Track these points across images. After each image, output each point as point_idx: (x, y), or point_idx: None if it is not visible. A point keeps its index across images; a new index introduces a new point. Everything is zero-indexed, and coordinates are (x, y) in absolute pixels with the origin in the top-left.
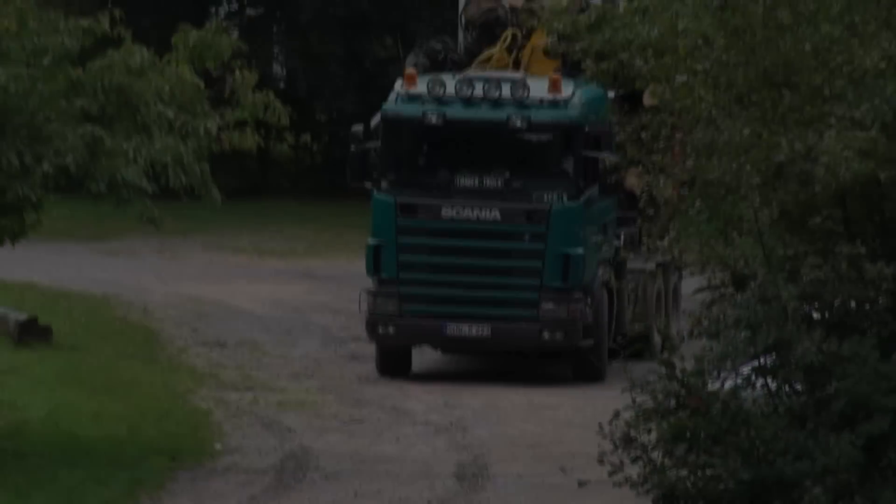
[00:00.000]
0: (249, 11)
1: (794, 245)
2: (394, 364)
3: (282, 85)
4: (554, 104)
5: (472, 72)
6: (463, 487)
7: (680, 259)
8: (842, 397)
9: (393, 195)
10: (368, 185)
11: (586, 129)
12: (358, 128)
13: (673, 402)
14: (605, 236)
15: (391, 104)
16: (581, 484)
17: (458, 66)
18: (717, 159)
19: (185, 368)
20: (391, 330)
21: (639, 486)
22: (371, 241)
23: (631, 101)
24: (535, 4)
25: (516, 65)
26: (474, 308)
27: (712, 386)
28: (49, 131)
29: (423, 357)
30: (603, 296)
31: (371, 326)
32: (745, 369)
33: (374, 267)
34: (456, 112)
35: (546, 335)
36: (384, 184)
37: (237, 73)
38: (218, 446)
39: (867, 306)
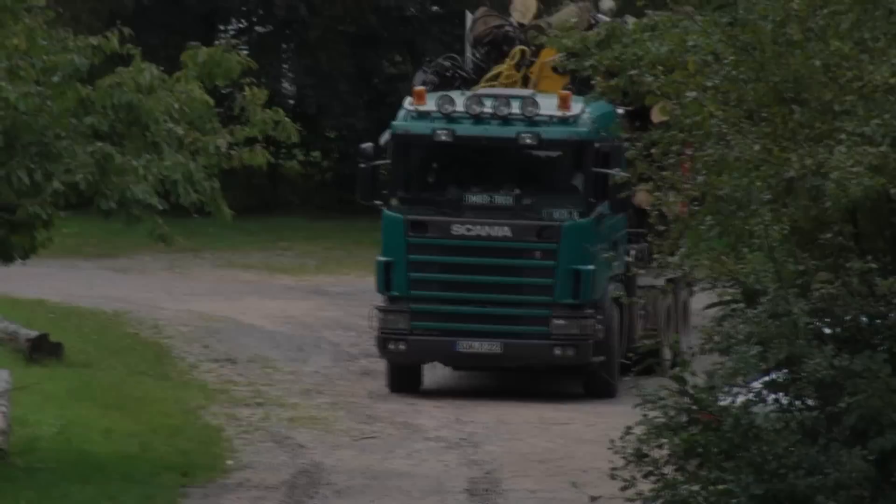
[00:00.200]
0: (258, 29)
1: (805, 261)
2: (404, 381)
3: (291, 102)
4: (564, 121)
5: (481, 89)
6: (474, 503)
7: (691, 275)
8: (853, 412)
9: (403, 212)
10: (378, 202)
11: (596, 145)
12: (367, 145)
13: (684, 418)
14: (616, 252)
15: (401, 121)
16: (593, 499)
17: (466, 83)
18: (728, 175)
19: (196, 385)
20: (402, 347)
21: (650, 501)
22: (381, 258)
23: (639, 117)
24: (543, 22)
25: (525, 82)
26: (485, 325)
27: (724, 401)
28: (59, 149)
29: (434, 373)
30: (614, 312)
31: (382, 343)
32: (757, 384)
33: (385, 284)
34: (465, 129)
35: (557, 351)
36: (394, 201)
37: (247, 90)
38: (229, 462)
39: (878, 321)
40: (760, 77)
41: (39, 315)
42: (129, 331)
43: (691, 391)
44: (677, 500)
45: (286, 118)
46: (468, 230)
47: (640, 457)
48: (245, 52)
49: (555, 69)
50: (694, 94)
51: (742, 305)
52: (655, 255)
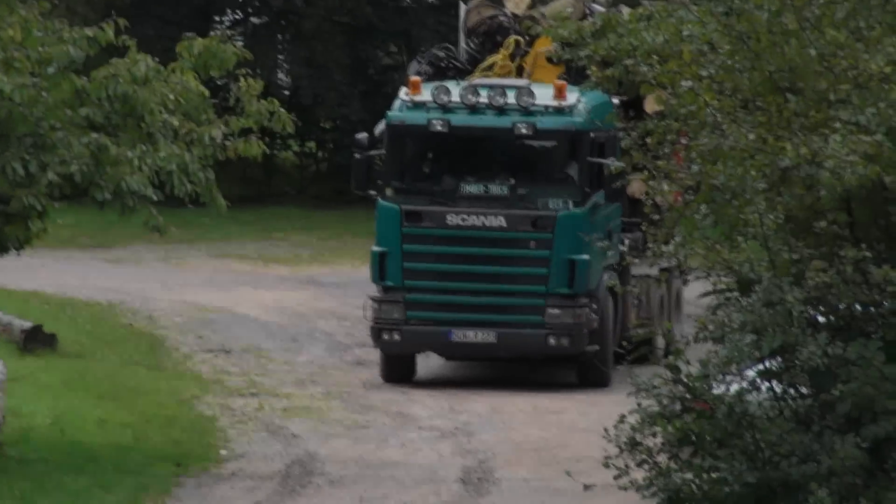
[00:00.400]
0: (254, 20)
1: (800, 249)
2: (398, 371)
3: (286, 93)
4: (559, 111)
5: (475, 79)
6: (468, 492)
7: (685, 264)
8: (847, 400)
9: (398, 203)
10: (373, 192)
11: (591, 135)
12: (362, 135)
13: (678, 406)
14: (610, 242)
15: (396, 111)
16: (587, 488)
17: (461, 73)
18: (723, 164)
19: (190, 375)
20: (396, 337)
21: (644, 489)
22: (376, 248)
23: (634, 107)
24: (537, 11)
25: (519, 72)
26: (480, 315)
27: (717, 389)
28: (54, 140)
29: (428, 363)
30: (608, 301)
31: (376, 333)
32: (751, 373)
33: (380, 274)
34: (461, 119)
35: (552, 341)
36: (389, 191)
37: (242, 81)
38: (223, 452)
39: (872, 310)
40: (756, 66)
41: (34, 306)
42: (124, 321)
43: (685, 380)
44: (671, 488)
45: (281, 109)
46: (463, 220)
47: (633, 445)
48: (240, 42)
49: (549, 59)
50: (689, 83)
51: (736, 294)
52: (650, 245)
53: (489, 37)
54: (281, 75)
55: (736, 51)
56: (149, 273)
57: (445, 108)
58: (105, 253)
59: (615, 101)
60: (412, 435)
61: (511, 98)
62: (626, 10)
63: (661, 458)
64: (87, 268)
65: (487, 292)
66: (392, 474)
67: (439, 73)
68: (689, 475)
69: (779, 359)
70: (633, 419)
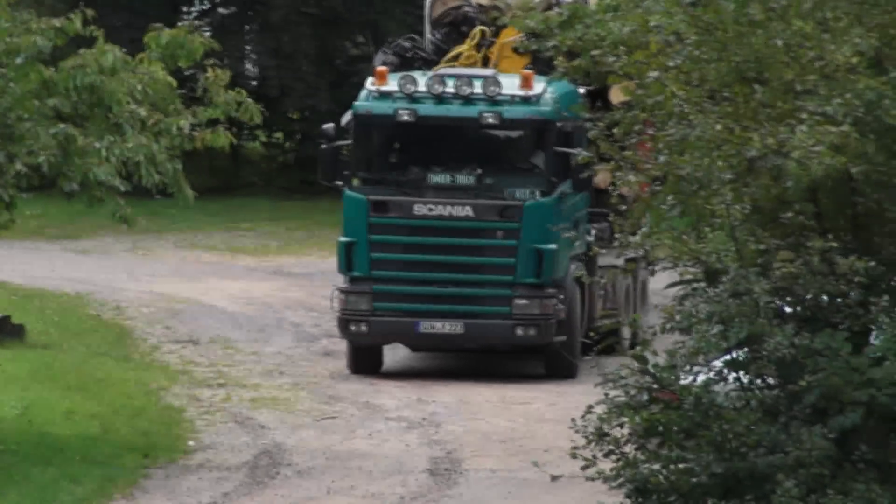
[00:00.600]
0: (221, 10)
1: (766, 240)
2: (365, 362)
3: (254, 83)
4: (526, 100)
5: (442, 69)
6: (436, 482)
7: (652, 254)
8: (814, 391)
9: (364, 193)
10: (340, 183)
11: (558, 124)
12: (328, 126)
13: (645, 397)
14: (577, 232)
15: (362, 101)
16: (554, 478)
17: (427, 64)
18: (689, 155)
19: (157, 366)
20: (364, 328)
21: (612, 480)
22: (343, 238)
23: (600, 97)
24: (502, 2)
25: (485, 62)
26: (447, 305)
27: (684, 380)
28: (22, 130)
29: (396, 353)
30: (575, 291)
31: (343, 324)
32: (718, 363)
33: (346, 265)
34: (428, 109)
35: (519, 331)
36: (356, 181)
37: (209, 71)
38: (191, 443)
39: (839, 300)
40: (722, 57)
41: (1, 297)
42: (91, 312)
43: (652, 370)
44: (638, 478)
45: (249, 99)
46: (430, 210)
47: (601, 436)
48: (208, 33)
49: (515, 49)
50: (656, 74)
51: (703, 285)
52: (617, 235)
53: (455, 27)
54: (248, 66)
55: (702, 41)
56: (116, 264)
57: (412, 98)
58: (73, 244)
59: (581, 90)
60: (380, 426)
61: (478, 88)
62: (592, 1)
63: (629, 449)
64: (54, 258)
65: (455, 282)
66: (360, 465)
67: (405, 63)
68: (656, 466)
69: (746, 349)
70: (600, 410)
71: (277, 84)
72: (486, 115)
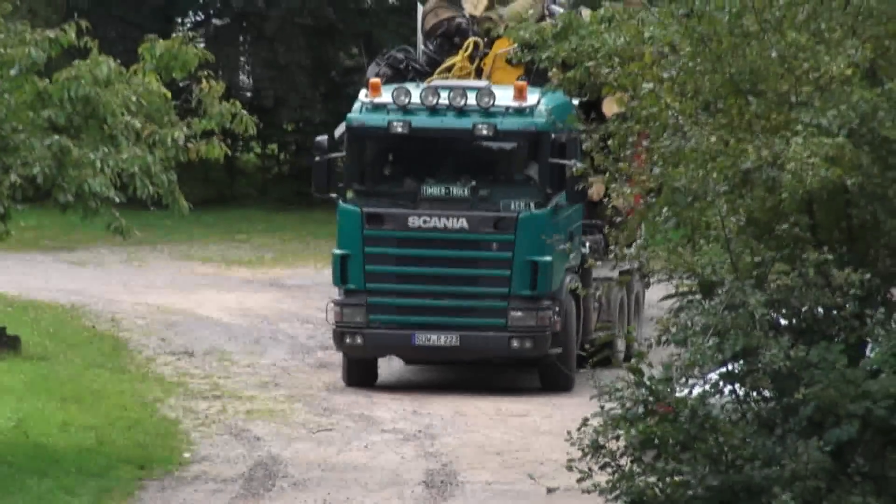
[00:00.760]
0: (216, 21)
1: (762, 252)
2: (361, 375)
3: (248, 94)
4: (520, 112)
5: (435, 81)
6: (432, 495)
7: (647, 266)
8: (810, 403)
9: (359, 205)
10: (334, 195)
11: (553, 136)
12: (322, 138)
13: (641, 409)
14: (572, 244)
15: (356, 113)
16: (550, 491)
17: (420, 75)
18: (684, 167)
19: (153, 378)
20: (359, 340)
21: (607, 492)
22: (337, 251)
23: (594, 108)
24: (495, 13)
25: (478, 73)
26: (442, 317)
27: (680, 393)
28: (16, 142)
29: (391, 366)
30: (571, 304)
31: (339, 337)
32: (713, 376)
33: (341, 277)
34: (421, 121)
35: (515, 343)
36: (350, 194)
37: (204, 82)
38: (186, 455)
39: (835, 312)
40: (717, 68)
41: None
42: (87, 324)
43: (648, 383)
44: (634, 491)
45: (243, 111)
46: (425, 222)
47: (596, 448)
48: (202, 44)
49: (508, 61)
50: (651, 85)
51: (698, 297)
52: (612, 247)
53: (447, 39)
54: (243, 77)
55: (697, 53)
56: (111, 275)
57: (406, 110)
58: (68, 255)
59: (575, 102)
60: (375, 438)
61: (471, 99)
62: (586, 13)
63: (624, 462)
64: (49, 270)
65: (450, 295)
66: (355, 477)
67: (398, 75)
68: (652, 478)
69: (741, 362)
70: (596, 422)
71: (272, 95)
72: (480, 126)
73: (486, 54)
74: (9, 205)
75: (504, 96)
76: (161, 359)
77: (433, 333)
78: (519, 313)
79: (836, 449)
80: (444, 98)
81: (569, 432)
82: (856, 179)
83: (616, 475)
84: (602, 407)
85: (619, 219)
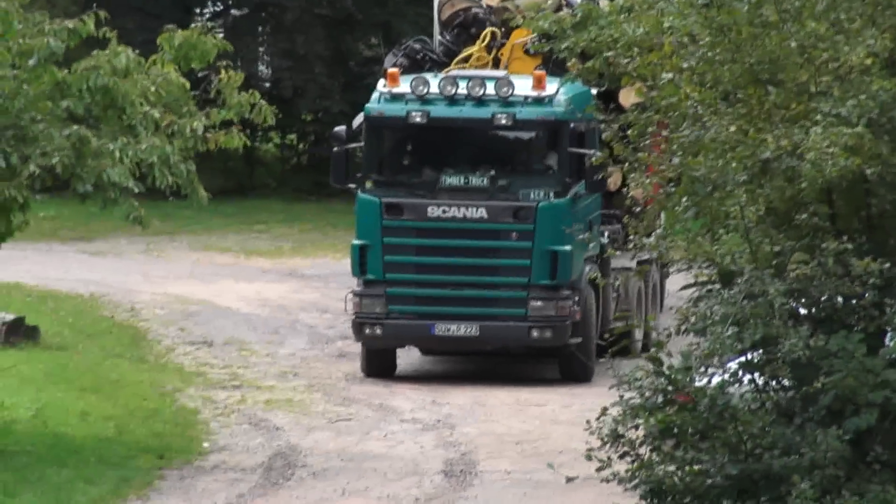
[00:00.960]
0: (234, 12)
1: (781, 241)
2: (380, 365)
3: (267, 85)
4: (539, 101)
5: (454, 70)
6: (451, 484)
7: (667, 256)
8: (829, 392)
9: (378, 195)
10: (352, 185)
11: (571, 125)
12: (340, 129)
13: (660, 399)
14: (591, 233)
15: (374, 103)
16: (569, 480)
17: (437, 65)
18: (704, 156)
19: (172, 367)
20: (378, 331)
21: (626, 481)
22: (356, 241)
23: (611, 98)
24: (511, 3)
25: (496, 63)
26: (462, 307)
27: (699, 382)
28: (35, 132)
29: (410, 356)
30: (590, 293)
31: (358, 327)
32: (732, 365)
33: (360, 268)
34: (440, 111)
35: (535, 333)
36: (368, 184)
37: (223, 73)
38: (206, 445)
39: (854, 302)
40: (736, 58)
41: (15, 298)
42: (106, 314)
43: (667, 372)
44: (653, 480)
45: (262, 101)
46: (444, 212)
47: (615, 437)
48: (221, 34)
49: (526, 50)
50: (670, 75)
51: (718, 286)
52: (631, 237)
53: (464, 29)
54: (262, 67)
55: (716, 43)
56: (130, 265)
57: (424, 100)
58: (86, 245)
59: (593, 92)
60: (394, 427)
61: (490, 89)
62: (605, 3)
63: (644, 451)
64: (68, 260)
65: (469, 285)
66: (374, 467)
67: (415, 65)
68: (671, 467)
69: (760, 351)
70: (615, 411)
71: (290, 86)
72: (499, 116)
73: (503, 44)
74: (27, 195)
75: (523, 86)
76: (180, 349)
77: (452, 323)
78: (539, 303)
79: (855, 438)
80: (462, 88)
81: (588, 422)
82: (875, 169)
83: (635, 464)
84: (621, 396)
85: (638, 208)
